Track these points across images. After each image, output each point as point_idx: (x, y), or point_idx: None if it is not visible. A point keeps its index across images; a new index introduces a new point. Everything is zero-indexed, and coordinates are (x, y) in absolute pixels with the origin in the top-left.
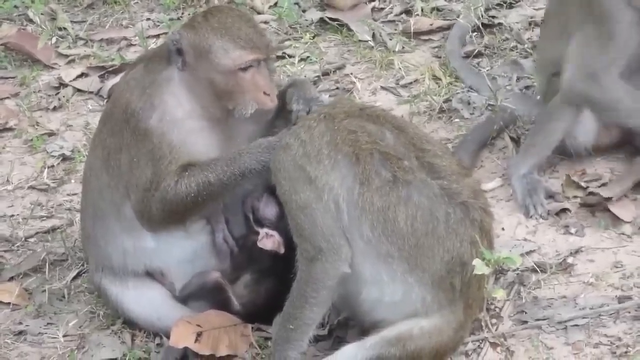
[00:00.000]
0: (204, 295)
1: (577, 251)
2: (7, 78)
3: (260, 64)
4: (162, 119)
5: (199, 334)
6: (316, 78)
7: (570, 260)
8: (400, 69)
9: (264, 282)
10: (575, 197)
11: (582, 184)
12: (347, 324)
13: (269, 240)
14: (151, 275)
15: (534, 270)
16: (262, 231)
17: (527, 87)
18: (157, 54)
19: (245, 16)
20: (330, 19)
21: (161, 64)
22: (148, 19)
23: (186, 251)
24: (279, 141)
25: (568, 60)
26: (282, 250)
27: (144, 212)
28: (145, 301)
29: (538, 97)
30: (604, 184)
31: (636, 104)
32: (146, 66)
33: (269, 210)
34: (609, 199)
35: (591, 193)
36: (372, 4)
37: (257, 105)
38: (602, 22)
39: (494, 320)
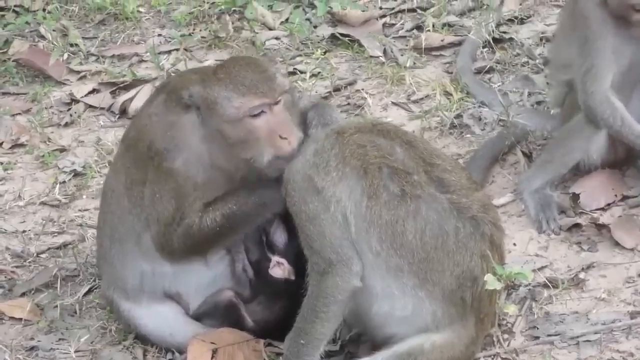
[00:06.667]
0: (218, 313)
1: (589, 266)
2: (18, 94)
3: (273, 108)
4: (187, 162)
5: (214, 351)
6: (327, 94)
7: (582, 275)
8: (411, 84)
9: (277, 300)
10: (581, 213)
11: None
12: (358, 339)
13: (279, 269)
14: (168, 296)
15: (545, 286)
16: (273, 259)
17: (538, 103)
18: (177, 88)
19: (254, 63)
20: (342, 34)
21: (181, 104)
22: (159, 35)
23: (205, 278)
24: None
25: (575, 75)
26: (292, 277)
27: (164, 245)
28: (158, 317)
29: (552, 111)
30: (608, 204)
31: (623, 123)
32: (167, 101)
33: (277, 236)
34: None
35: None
36: (383, 19)
37: (274, 152)
38: (586, 39)
39: (505, 336)
